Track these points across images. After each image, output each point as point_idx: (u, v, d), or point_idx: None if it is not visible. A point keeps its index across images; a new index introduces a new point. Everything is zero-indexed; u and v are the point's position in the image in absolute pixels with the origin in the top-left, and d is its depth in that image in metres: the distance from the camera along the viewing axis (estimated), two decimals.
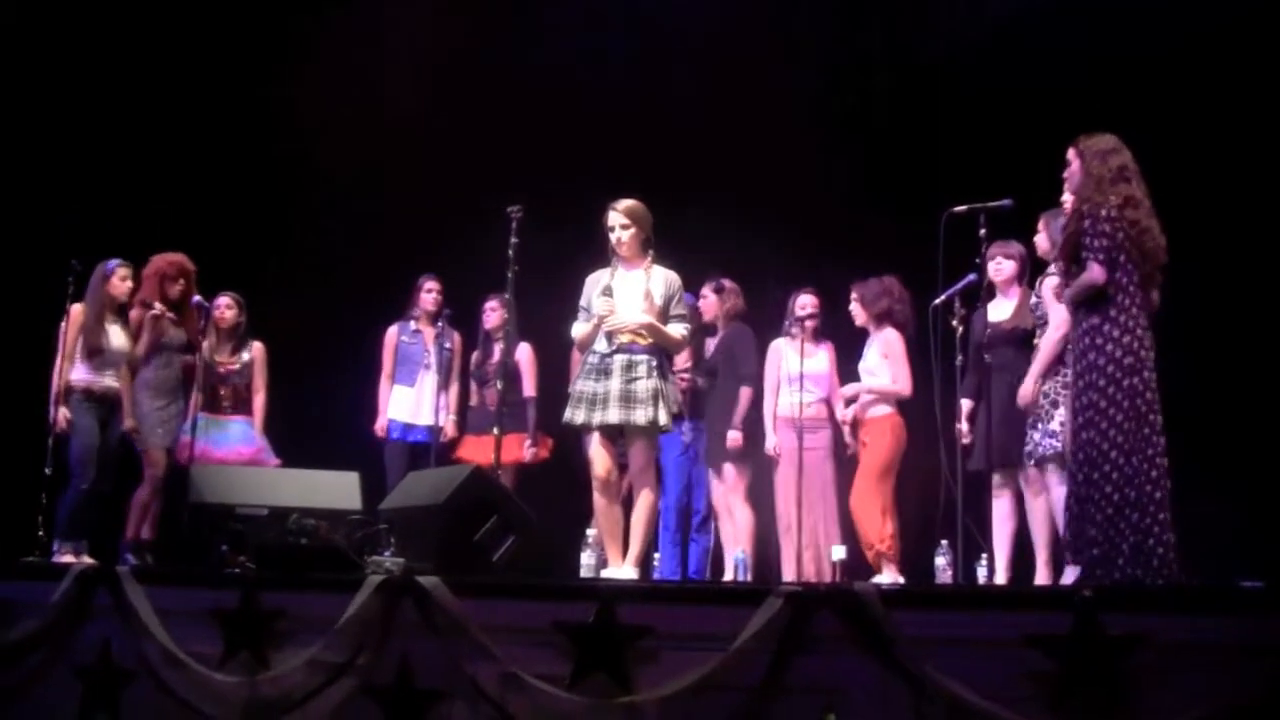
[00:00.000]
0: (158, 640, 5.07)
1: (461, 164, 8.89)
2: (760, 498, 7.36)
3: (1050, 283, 6.13)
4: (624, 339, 5.94)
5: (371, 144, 9.16)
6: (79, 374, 7.25)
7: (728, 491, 7.35)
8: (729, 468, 7.35)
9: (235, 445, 7.65)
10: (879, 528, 6.80)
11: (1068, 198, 5.62)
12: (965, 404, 6.52)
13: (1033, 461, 6.17)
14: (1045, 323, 6.18)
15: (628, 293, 6.01)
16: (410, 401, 8.02)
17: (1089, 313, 5.18)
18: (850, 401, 7.18)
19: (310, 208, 9.45)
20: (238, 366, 7.80)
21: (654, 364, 5.93)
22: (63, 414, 7.14)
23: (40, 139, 8.88)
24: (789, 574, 6.97)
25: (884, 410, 7.03)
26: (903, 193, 7.49)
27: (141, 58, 9.30)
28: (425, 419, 7.95)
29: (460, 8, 9.37)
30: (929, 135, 7.80)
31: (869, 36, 8.29)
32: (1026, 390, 6.12)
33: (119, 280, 7.39)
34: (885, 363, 7.05)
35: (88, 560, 6.67)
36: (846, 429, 7.27)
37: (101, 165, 9.02)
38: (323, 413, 8.55)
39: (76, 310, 7.30)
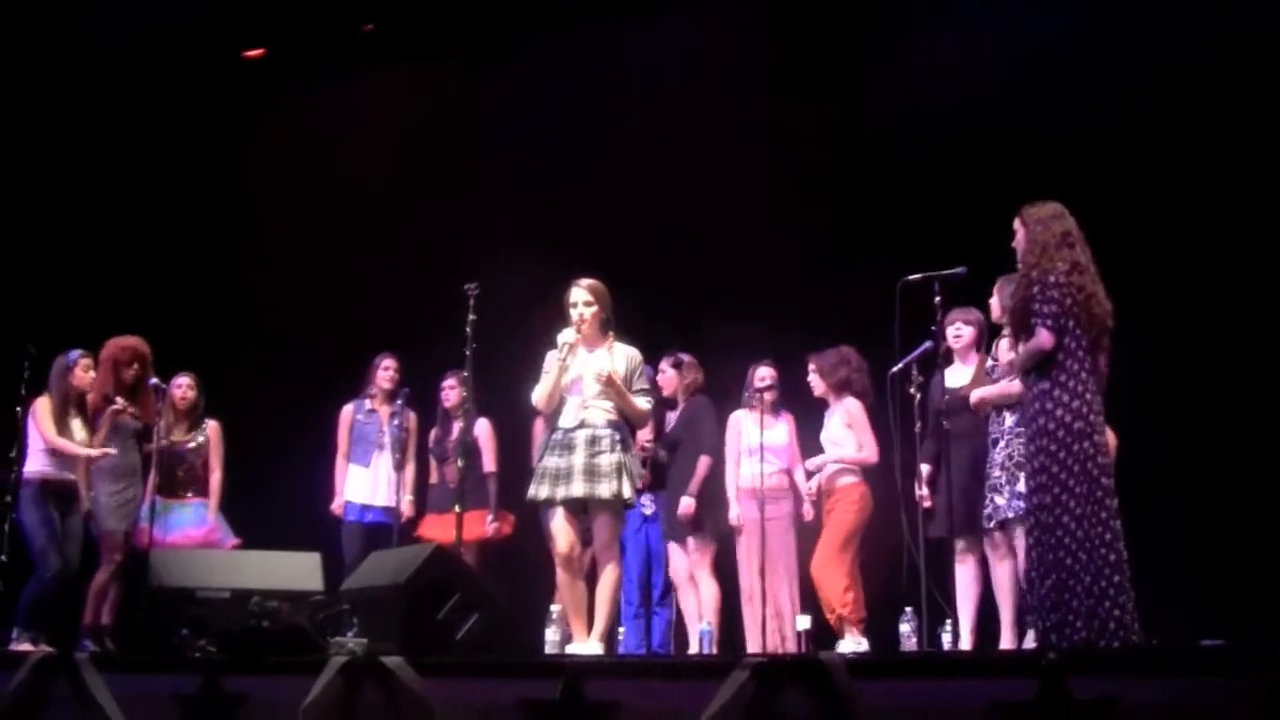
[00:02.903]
0: None
1: (421, 242, 8.93)
2: (724, 569, 7.35)
3: (1005, 344, 6.20)
4: (586, 413, 5.94)
5: (330, 223, 9.20)
6: (38, 465, 7.16)
7: (693, 564, 7.33)
8: (692, 540, 7.33)
9: (185, 528, 7.57)
10: (840, 593, 6.81)
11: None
12: (925, 469, 6.57)
13: (993, 524, 6.21)
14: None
15: (590, 372, 6.01)
16: (366, 482, 7.97)
17: (1038, 378, 5.23)
18: (813, 474, 7.19)
19: (269, 287, 9.45)
20: (194, 445, 7.75)
21: (617, 438, 5.94)
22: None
23: None
24: (753, 644, 6.95)
25: (851, 479, 7.04)
26: (858, 261, 7.56)
27: (101, 138, 9.33)
28: (381, 500, 7.90)
29: (419, 90, 9.46)
30: (884, 203, 7.89)
31: (823, 105, 8.38)
32: (978, 395, 6.20)
33: (81, 371, 7.33)
34: (850, 432, 7.08)
35: (45, 649, 6.56)
36: (809, 500, 7.28)
37: (59, 245, 9.00)
38: (281, 493, 8.49)
39: (43, 405, 7.22)
